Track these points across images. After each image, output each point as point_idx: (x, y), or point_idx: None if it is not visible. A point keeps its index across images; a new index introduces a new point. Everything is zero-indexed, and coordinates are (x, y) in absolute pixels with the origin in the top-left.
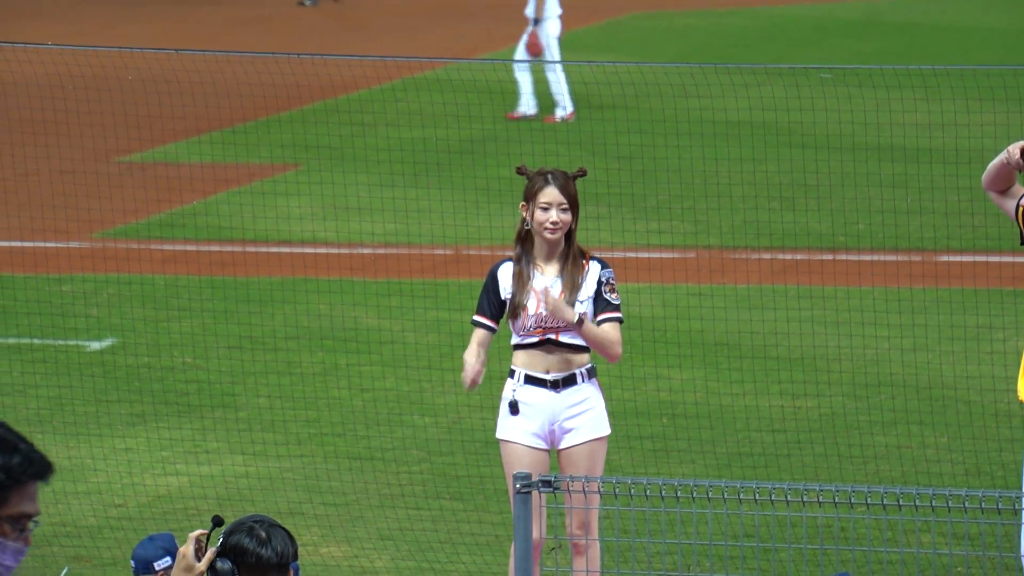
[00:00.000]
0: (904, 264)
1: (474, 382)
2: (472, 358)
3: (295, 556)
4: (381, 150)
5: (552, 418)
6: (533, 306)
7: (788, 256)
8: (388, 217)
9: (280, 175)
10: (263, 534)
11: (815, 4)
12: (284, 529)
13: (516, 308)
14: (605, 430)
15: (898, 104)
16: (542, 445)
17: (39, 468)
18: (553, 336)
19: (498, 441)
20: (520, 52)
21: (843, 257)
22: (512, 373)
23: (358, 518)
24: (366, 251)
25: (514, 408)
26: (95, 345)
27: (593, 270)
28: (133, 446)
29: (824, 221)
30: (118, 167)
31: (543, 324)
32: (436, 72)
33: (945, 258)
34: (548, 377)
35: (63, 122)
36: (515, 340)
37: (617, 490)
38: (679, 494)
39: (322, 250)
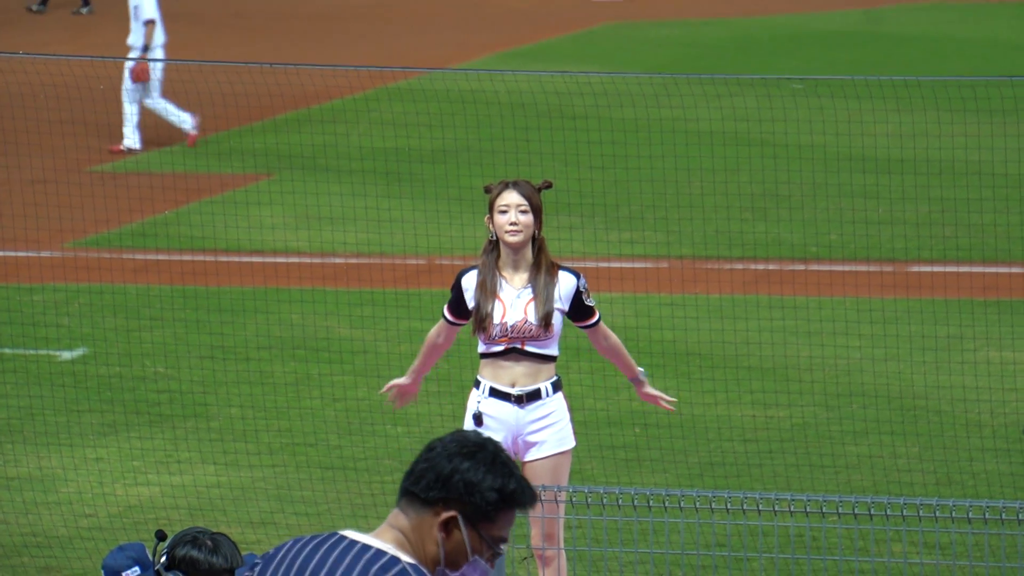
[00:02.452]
0: (876, 274)
1: (400, 397)
2: (406, 377)
3: (242, 561)
4: (354, 160)
5: (516, 431)
6: (499, 315)
7: (760, 266)
8: (361, 227)
9: (253, 185)
10: (209, 543)
11: (788, 15)
12: (226, 537)
13: (482, 318)
14: (570, 443)
15: (870, 115)
16: None
17: (528, 498)
18: (519, 345)
19: None
20: (127, 82)
21: (815, 267)
22: (477, 384)
23: (330, 528)
24: (339, 261)
25: (478, 420)
26: (66, 355)
27: (566, 280)
28: (104, 456)
29: (796, 231)
30: (90, 177)
31: (508, 333)
32: (410, 82)
33: (917, 268)
34: (513, 391)
35: (34, 132)
36: (481, 349)
37: (589, 499)
38: (651, 503)
39: (295, 260)
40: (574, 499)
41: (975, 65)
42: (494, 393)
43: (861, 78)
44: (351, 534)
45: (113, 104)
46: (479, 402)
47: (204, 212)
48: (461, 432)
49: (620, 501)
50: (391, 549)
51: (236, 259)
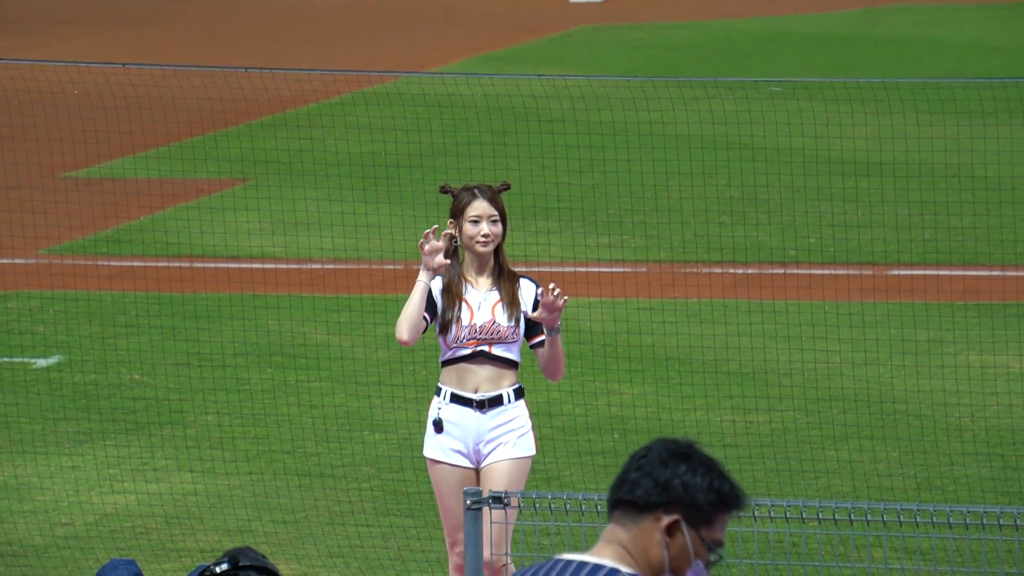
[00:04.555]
0: (855, 278)
1: (432, 252)
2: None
3: None
4: (330, 164)
5: (477, 438)
6: (467, 317)
7: (739, 270)
8: (337, 232)
9: (228, 190)
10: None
11: (766, 17)
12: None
13: (447, 322)
14: (530, 451)
15: (848, 117)
16: (467, 464)
17: (742, 499)
18: (486, 348)
19: (424, 459)
20: None
21: (794, 271)
22: (439, 391)
23: (308, 535)
24: (315, 266)
25: (438, 426)
26: (41, 362)
27: (527, 287)
28: (80, 464)
29: (775, 235)
30: (64, 183)
31: (477, 335)
32: (386, 86)
33: (896, 272)
34: (475, 397)
35: (7, 137)
36: (445, 356)
37: (568, 506)
38: None
39: (271, 265)
40: (552, 506)
41: (953, 67)
42: (455, 399)
43: (839, 80)
44: (568, 555)
45: (88, 109)
46: (439, 408)
47: (179, 218)
48: (666, 438)
49: (599, 507)
50: (610, 563)
51: (212, 265)
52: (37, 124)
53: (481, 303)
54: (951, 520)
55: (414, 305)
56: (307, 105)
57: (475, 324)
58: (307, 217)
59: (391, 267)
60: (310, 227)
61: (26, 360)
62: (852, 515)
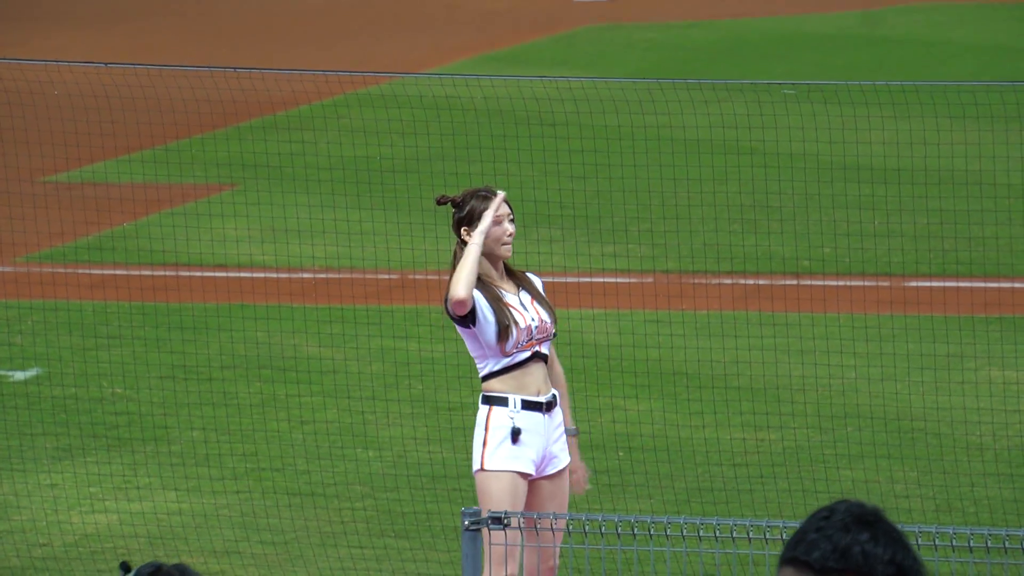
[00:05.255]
0: (871, 290)
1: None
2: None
3: None
4: (323, 169)
5: (546, 443)
6: (521, 320)
7: (750, 281)
8: (330, 240)
9: (215, 195)
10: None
11: (780, 16)
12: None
13: (505, 329)
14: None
15: (865, 122)
16: (534, 473)
17: (925, 574)
18: (539, 348)
19: (488, 472)
20: None
21: (807, 282)
22: (503, 401)
23: (298, 557)
24: (306, 276)
25: (517, 436)
26: (19, 375)
27: (536, 279)
28: (59, 482)
29: (788, 244)
30: (43, 187)
31: (534, 336)
32: (381, 87)
33: (914, 283)
34: (541, 399)
35: None
36: (501, 364)
37: (571, 527)
38: (636, 531)
39: (260, 275)
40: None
41: (976, 69)
42: (527, 405)
43: (856, 83)
44: None
45: (68, 111)
46: (512, 417)
47: (164, 224)
48: (852, 501)
49: (603, 529)
50: None
51: (198, 274)
52: (15, 126)
53: (520, 305)
54: (971, 543)
55: (473, 264)
56: (298, 107)
57: (531, 326)
58: (298, 224)
59: (386, 276)
60: (301, 234)
61: (3, 373)
62: None
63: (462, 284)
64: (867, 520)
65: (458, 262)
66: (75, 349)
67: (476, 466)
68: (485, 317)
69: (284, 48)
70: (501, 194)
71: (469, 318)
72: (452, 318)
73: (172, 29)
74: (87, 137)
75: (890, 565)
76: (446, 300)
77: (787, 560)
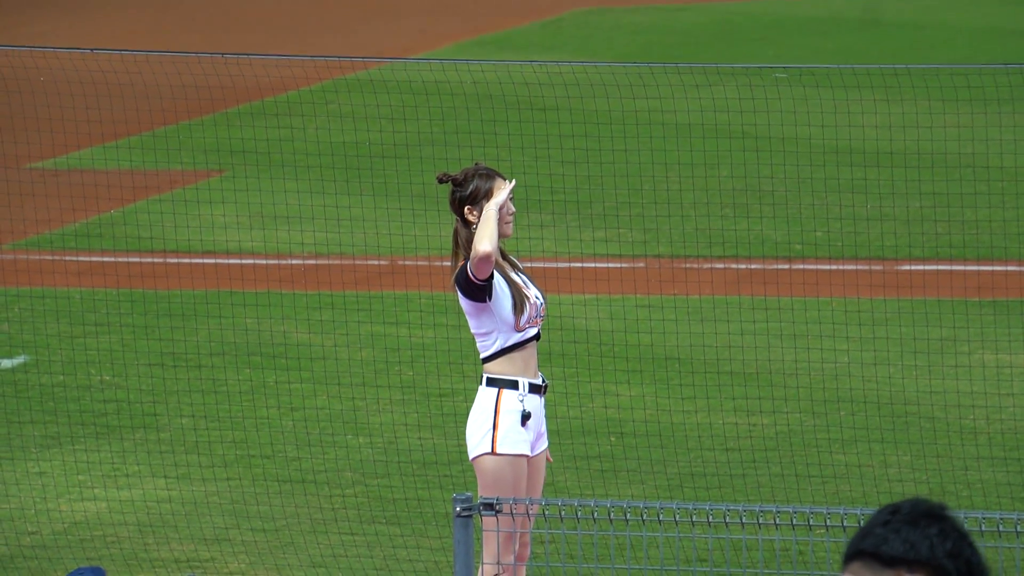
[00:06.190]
0: (864, 274)
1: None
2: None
3: None
4: (311, 155)
5: (541, 425)
6: (529, 295)
7: (742, 266)
8: (319, 226)
9: (203, 182)
10: None
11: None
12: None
13: (522, 301)
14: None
15: (857, 105)
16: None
17: (986, 571)
18: (537, 329)
19: (500, 457)
20: None
21: (800, 267)
22: (513, 384)
23: (288, 544)
24: (295, 262)
25: (526, 420)
26: (6, 363)
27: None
28: (47, 470)
29: (780, 229)
30: (30, 174)
31: (539, 314)
32: (370, 72)
33: (907, 267)
34: (540, 382)
35: None
36: (511, 341)
37: (563, 512)
38: (628, 517)
39: (248, 261)
40: (546, 512)
41: (968, 52)
42: (532, 388)
43: (848, 67)
44: None
45: (54, 97)
46: (522, 400)
47: (152, 211)
48: (919, 498)
49: (595, 514)
50: None
51: (186, 260)
52: (1, 112)
53: (526, 282)
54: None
55: (494, 224)
56: (287, 92)
57: (536, 303)
58: (287, 210)
59: (375, 263)
60: (290, 220)
61: None
62: (862, 522)
63: (487, 239)
64: (935, 515)
65: (459, 240)
66: (63, 336)
67: (484, 450)
68: (502, 289)
69: (272, 33)
70: (513, 182)
71: (487, 290)
72: (467, 291)
73: (159, 15)
74: (73, 124)
75: (959, 559)
76: (462, 271)
77: (854, 554)
